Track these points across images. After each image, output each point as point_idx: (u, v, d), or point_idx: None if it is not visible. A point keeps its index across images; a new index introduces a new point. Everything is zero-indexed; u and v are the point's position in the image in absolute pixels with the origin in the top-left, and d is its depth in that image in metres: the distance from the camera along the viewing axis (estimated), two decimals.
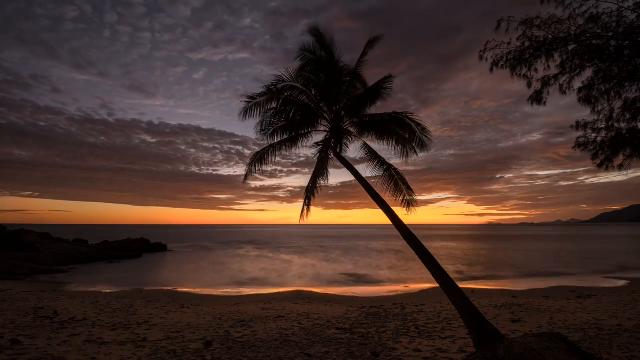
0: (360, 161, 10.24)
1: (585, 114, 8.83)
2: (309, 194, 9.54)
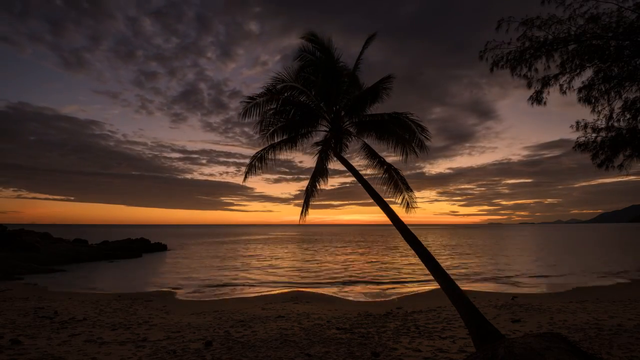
0: (361, 161, 10.24)
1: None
2: (308, 195, 9.53)
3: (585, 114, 9.21)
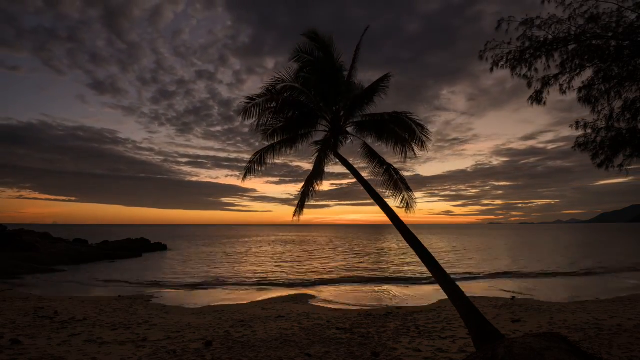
0: (361, 162, 10.24)
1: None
2: (304, 194, 9.49)
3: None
